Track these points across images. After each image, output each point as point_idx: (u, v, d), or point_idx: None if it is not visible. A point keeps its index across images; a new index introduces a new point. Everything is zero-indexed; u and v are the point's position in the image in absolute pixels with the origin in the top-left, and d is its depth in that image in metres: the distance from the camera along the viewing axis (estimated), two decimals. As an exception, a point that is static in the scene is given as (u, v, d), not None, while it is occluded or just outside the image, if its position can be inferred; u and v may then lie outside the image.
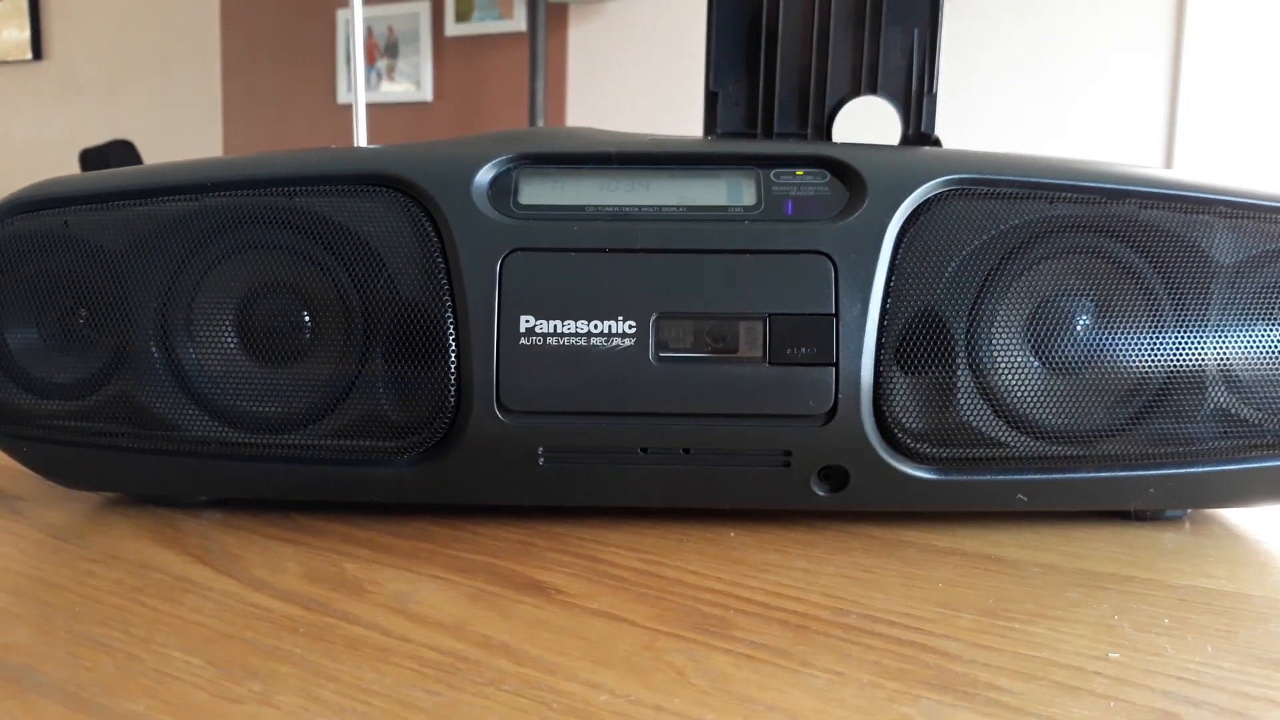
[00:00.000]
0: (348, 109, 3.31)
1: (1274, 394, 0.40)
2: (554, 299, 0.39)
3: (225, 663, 0.29)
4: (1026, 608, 0.34)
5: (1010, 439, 0.40)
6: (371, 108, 3.14)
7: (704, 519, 0.42)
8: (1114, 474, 0.41)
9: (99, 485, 0.44)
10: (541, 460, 0.40)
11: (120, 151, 2.98)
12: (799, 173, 0.41)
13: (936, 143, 0.48)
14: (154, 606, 0.33)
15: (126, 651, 0.30)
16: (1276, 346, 0.40)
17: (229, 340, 0.41)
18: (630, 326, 0.38)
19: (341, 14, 3.26)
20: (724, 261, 0.39)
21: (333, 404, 0.41)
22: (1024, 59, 2.47)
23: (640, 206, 0.40)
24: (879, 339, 0.39)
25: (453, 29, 3.09)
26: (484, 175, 0.41)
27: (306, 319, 0.41)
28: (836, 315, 0.38)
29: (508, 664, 0.29)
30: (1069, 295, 0.41)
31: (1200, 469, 0.41)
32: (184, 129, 3.59)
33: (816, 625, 0.32)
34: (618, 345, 0.38)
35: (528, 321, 0.38)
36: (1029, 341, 0.40)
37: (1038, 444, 0.40)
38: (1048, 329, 0.40)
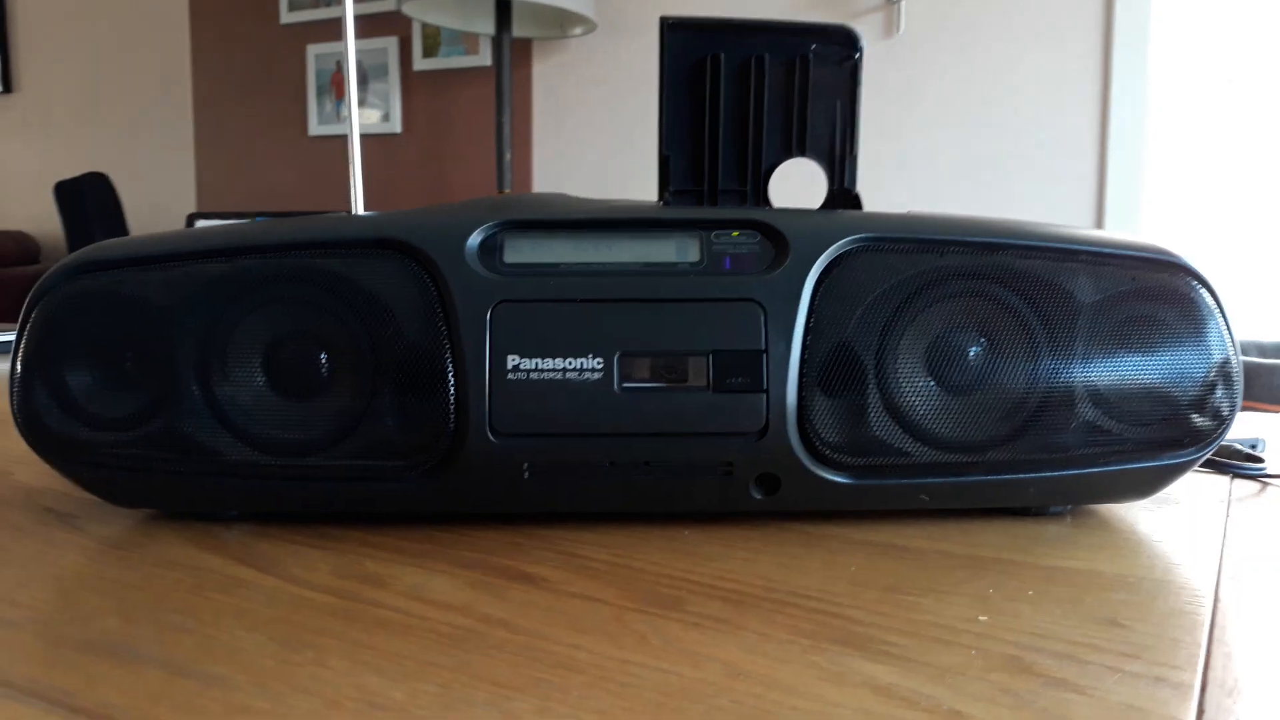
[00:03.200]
0: (319, 141, 3.39)
1: (1131, 408, 0.49)
2: (535, 341, 0.47)
3: (283, 639, 0.37)
4: (920, 584, 0.42)
5: (914, 449, 0.49)
6: (342, 139, 3.21)
7: (663, 521, 0.50)
8: (1001, 477, 0.49)
9: (146, 503, 0.52)
10: (526, 474, 0.48)
11: (94, 184, 3.03)
12: (735, 234, 0.50)
13: (856, 198, 0.57)
14: (214, 599, 0.41)
15: (201, 632, 0.37)
16: (1131, 369, 0.49)
17: (258, 379, 0.49)
18: (598, 362, 0.47)
19: (311, 49, 3.33)
20: (674, 308, 0.47)
21: (347, 431, 0.48)
22: (962, 106, 2.61)
23: (605, 264, 0.49)
24: (801, 369, 0.47)
25: (420, 64, 3.17)
26: (475, 239, 0.49)
27: (324, 360, 0.49)
28: (766, 351, 0.47)
29: (506, 633, 0.37)
30: (961, 329, 0.49)
31: (1072, 472, 0.50)
32: (156, 161, 3.65)
33: (751, 600, 0.40)
34: (588, 378, 0.47)
35: (514, 360, 0.47)
36: (927, 367, 0.49)
37: (936, 452, 0.49)
38: (943, 357, 0.49)
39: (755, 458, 0.48)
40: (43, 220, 3.54)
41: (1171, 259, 0.50)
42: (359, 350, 0.48)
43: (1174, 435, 0.50)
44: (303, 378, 0.49)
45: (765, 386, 0.47)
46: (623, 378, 0.47)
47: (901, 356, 0.49)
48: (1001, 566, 0.45)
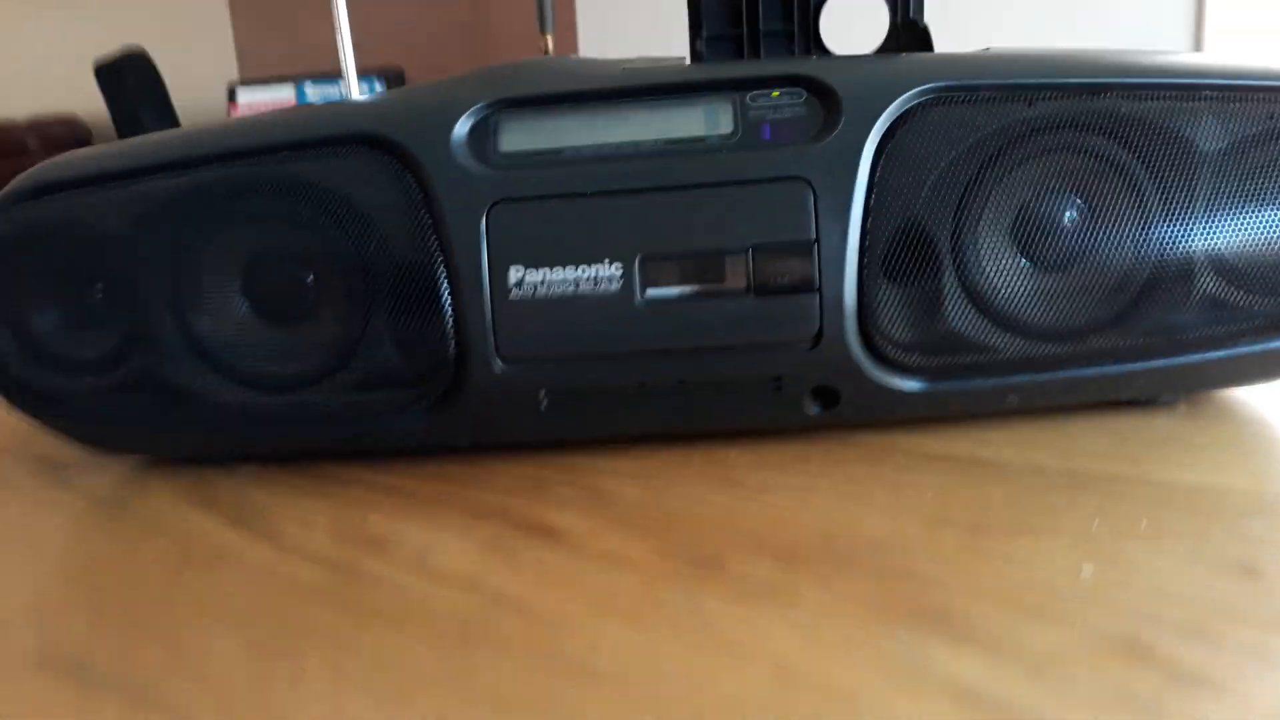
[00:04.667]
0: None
1: (1264, 276, 0.41)
2: (540, 247, 0.40)
3: (261, 642, 0.32)
4: (1009, 521, 0.35)
5: (1000, 341, 0.41)
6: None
7: (707, 442, 0.44)
8: (1105, 369, 0.41)
9: (136, 450, 0.47)
10: (544, 402, 0.41)
11: (133, 63, 2.92)
12: (775, 94, 0.41)
13: (924, 33, 0.47)
14: (196, 582, 0.36)
15: (172, 638, 0.32)
16: (1264, 229, 0.40)
17: (239, 307, 0.43)
18: (616, 269, 0.39)
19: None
20: (703, 195, 0.39)
21: (342, 361, 0.42)
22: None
23: (618, 145, 0.40)
24: (861, 260, 0.39)
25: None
26: (463, 126, 0.41)
27: (310, 280, 0.42)
28: (818, 241, 0.39)
29: (517, 621, 0.32)
30: (1054, 193, 0.40)
31: (1191, 358, 0.41)
32: (193, 31, 3.52)
33: (805, 555, 0.34)
34: (605, 289, 0.39)
35: (517, 272, 0.40)
36: (1015, 242, 0.41)
37: (1028, 344, 0.41)
38: (1034, 228, 0.41)
39: (809, 368, 0.40)
40: (87, 101, 3.47)
41: (1325, 84, 0.40)
42: (345, 267, 0.42)
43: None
44: (287, 302, 0.43)
45: (818, 285, 0.39)
46: (645, 285, 0.40)
47: (983, 230, 0.40)
48: (1106, 486, 0.38)
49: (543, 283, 0.39)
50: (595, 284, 0.39)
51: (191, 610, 0.34)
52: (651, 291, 0.39)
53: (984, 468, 0.40)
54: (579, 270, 0.39)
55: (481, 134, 0.41)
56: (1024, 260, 0.41)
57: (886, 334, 0.40)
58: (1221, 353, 0.41)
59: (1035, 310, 0.41)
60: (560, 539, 0.37)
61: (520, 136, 0.41)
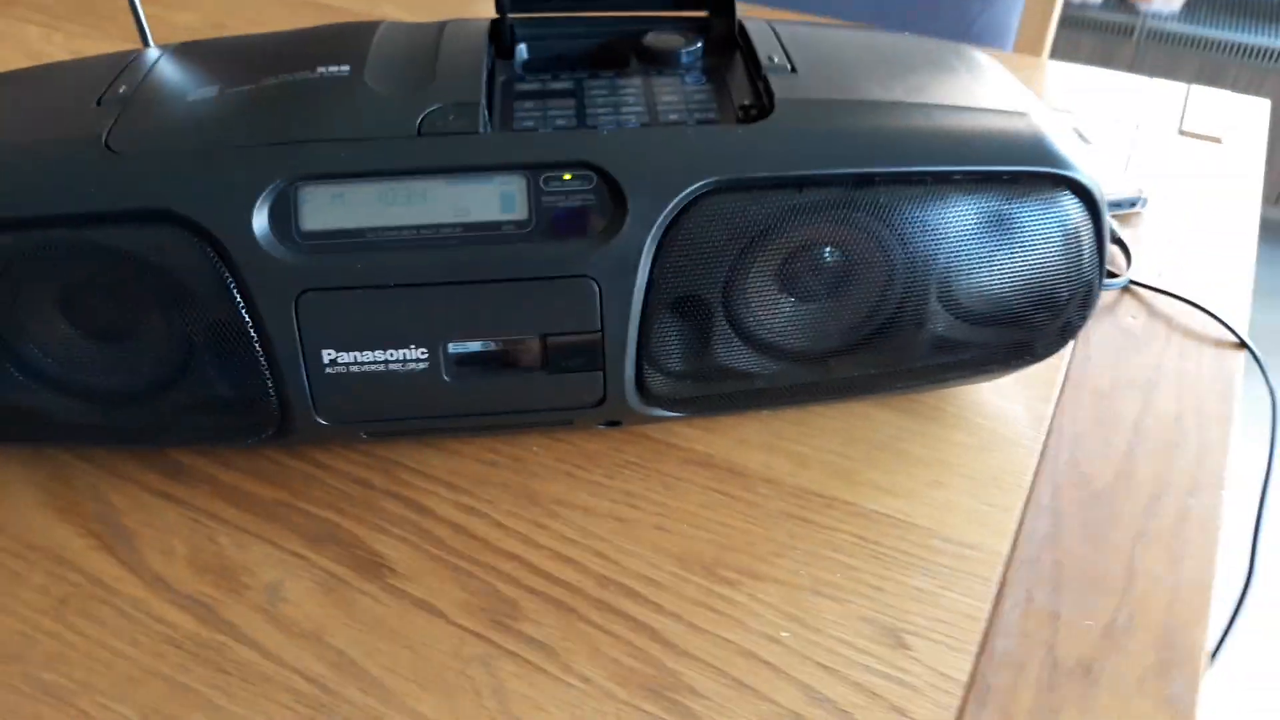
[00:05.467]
0: None
1: (987, 327, 0.48)
2: (350, 333, 0.43)
3: (151, 711, 0.40)
4: (740, 560, 0.46)
5: (759, 367, 0.48)
6: None
7: (510, 444, 0.51)
8: (839, 399, 0.50)
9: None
10: (365, 436, 0.48)
11: None
12: (567, 177, 0.43)
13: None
14: (84, 633, 0.43)
15: (74, 706, 0.41)
16: (992, 284, 0.47)
17: (62, 329, 0.45)
18: (422, 353, 0.44)
19: None
20: (500, 288, 0.43)
21: (168, 384, 0.46)
22: None
23: (418, 229, 0.43)
24: (640, 338, 0.45)
25: None
26: (263, 204, 0.42)
27: (131, 313, 0.45)
28: (603, 330, 0.44)
29: (356, 693, 0.41)
30: (817, 244, 0.46)
31: (914, 383, 0.50)
32: None
33: (582, 603, 0.44)
34: (414, 368, 0.44)
35: (330, 354, 0.44)
36: (779, 281, 0.46)
37: (781, 368, 0.48)
38: (796, 268, 0.46)
39: (595, 416, 0.48)
40: None
41: (1056, 170, 0.45)
42: (163, 317, 0.44)
43: (1021, 349, 0.49)
44: (109, 329, 0.45)
45: (603, 365, 0.45)
46: (450, 365, 0.44)
47: (752, 280, 0.46)
48: (822, 516, 0.48)
49: (354, 363, 0.44)
50: (404, 364, 0.44)
51: (85, 674, 0.42)
52: (456, 370, 0.44)
53: (735, 478, 0.49)
54: (387, 353, 0.44)
55: (283, 210, 0.42)
56: (786, 295, 0.47)
57: (661, 391, 0.47)
58: (943, 378, 0.50)
59: (792, 337, 0.48)
60: (386, 582, 0.45)
61: (322, 210, 0.43)
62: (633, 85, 0.49)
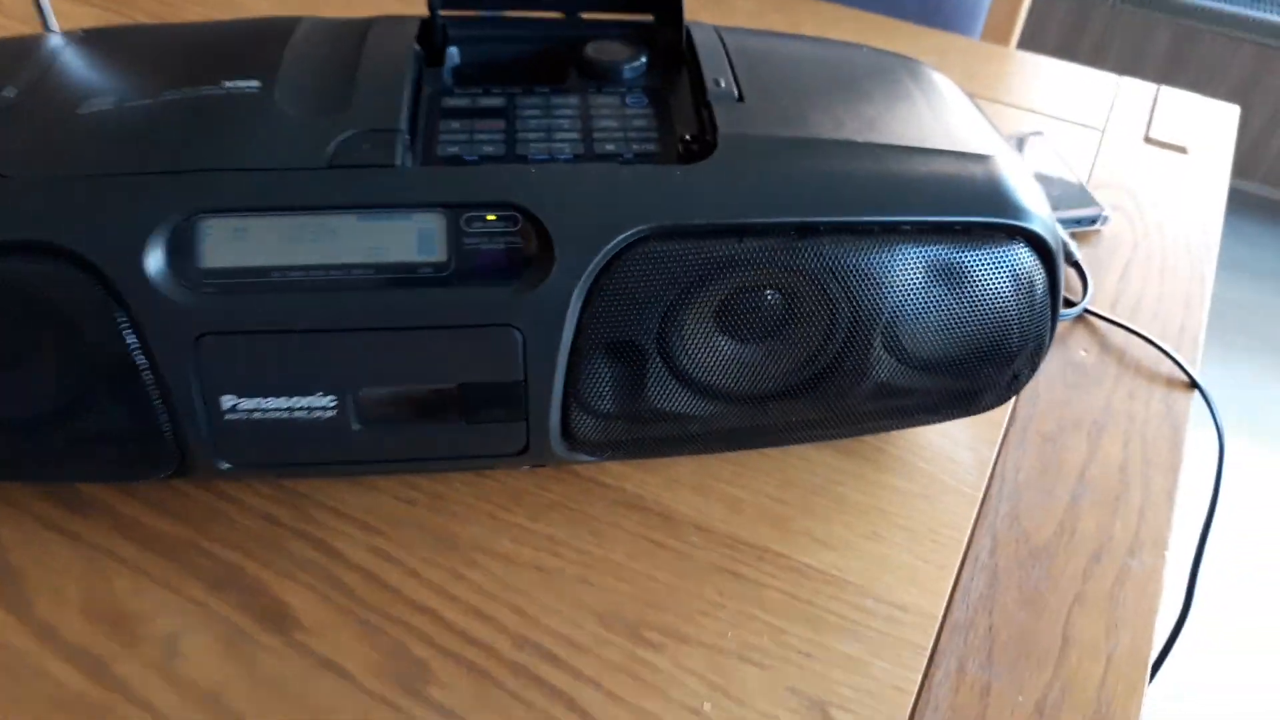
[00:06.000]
0: None
1: (930, 377, 0.46)
2: (252, 379, 0.40)
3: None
4: (666, 620, 0.44)
5: (694, 410, 0.46)
6: None
7: (430, 479, 0.48)
8: (784, 434, 0.48)
9: None
10: (274, 475, 0.45)
11: None
12: (490, 217, 0.40)
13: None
14: (-38, 691, 0.41)
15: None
16: (939, 336, 0.45)
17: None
18: (330, 400, 0.41)
19: None
20: (416, 336, 0.40)
21: (62, 414, 0.43)
22: None
23: (329, 269, 0.40)
24: (567, 386, 0.42)
25: None
26: (158, 240, 0.39)
27: (18, 342, 0.41)
28: (525, 380, 0.41)
29: (253, 764, 0.39)
30: (757, 289, 0.43)
31: (856, 427, 0.48)
32: None
33: (496, 666, 0.42)
34: (321, 415, 0.41)
35: (230, 400, 0.41)
36: (718, 323, 0.44)
37: (716, 411, 0.46)
38: (736, 311, 0.43)
39: (518, 462, 0.45)
40: None
41: (1011, 222, 0.43)
42: (56, 358, 0.41)
43: (967, 398, 0.47)
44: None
45: (525, 414, 0.42)
46: (360, 413, 0.42)
47: (688, 323, 0.43)
48: (753, 568, 0.46)
49: (258, 409, 0.41)
50: (310, 412, 0.41)
51: (-36, 749, 0.39)
52: (366, 419, 0.42)
53: (662, 525, 0.47)
54: (293, 400, 0.41)
55: (180, 248, 0.39)
56: (725, 337, 0.44)
57: (588, 437, 0.44)
58: (883, 424, 0.48)
59: (729, 378, 0.45)
60: (291, 637, 0.43)
61: (223, 246, 0.39)
62: (569, 105, 0.46)
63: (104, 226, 0.38)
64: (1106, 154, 0.72)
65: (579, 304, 0.40)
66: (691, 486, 0.49)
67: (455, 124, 0.44)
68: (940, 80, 0.50)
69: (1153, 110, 0.77)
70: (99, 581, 0.44)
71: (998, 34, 0.98)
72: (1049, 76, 0.82)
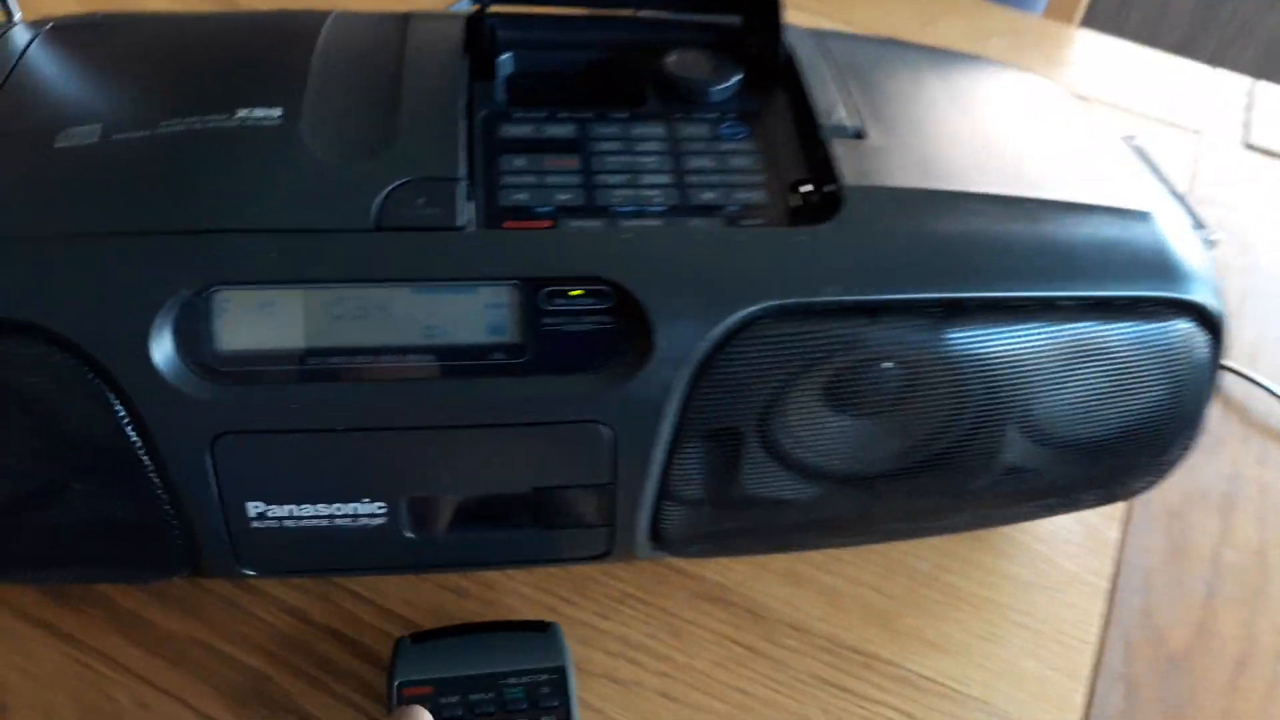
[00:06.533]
0: None
1: (1066, 464, 0.40)
2: (283, 484, 0.33)
3: None
4: (763, 746, 0.38)
5: (793, 494, 0.39)
6: None
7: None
8: (888, 525, 0.41)
9: None
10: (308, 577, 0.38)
11: None
12: (575, 293, 0.33)
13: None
14: None
15: None
16: (1085, 421, 0.38)
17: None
18: (379, 508, 0.34)
19: None
20: (484, 434, 0.33)
21: (45, 499, 0.36)
22: None
23: (377, 353, 0.32)
24: (662, 486, 0.36)
25: None
26: (165, 320, 0.31)
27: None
28: (615, 483, 0.35)
29: None
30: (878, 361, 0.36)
31: (969, 516, 0.42)
32: None
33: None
34: (366, 524, 0.34)
35: (257, 507, 0.34)
36: (827, 397, 0.37)
37: (821, 495, 0.40)
38: (849, 384, 0.37)
39: (594, 562, 0.38)
40: None
41: (1180, 296, 0.36)
42: (32, 437, 0.34)
43: (1111, 483, 0.41)
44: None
45: (611, 520, 0.36)
46: (415, 522, 0.35)
47: (794, 402, 0.36)
48: (860, 676, 0.40)
49: (290, 516, 0.34)
50: (354, 519, 0.34)
51: None
52: (421, 526, 0.35)
53: (753, 620, 0.41)
54: (334, 508, 0.34)
55: (192, 328, 0.31)
56: (833, 412, 0.38)
57: (677, 534, 0.38)
58: (1004, 512, 0.42)
59: (835, 457, 0.39)
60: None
61: (244, 332, 0.32)
62: (653, 137, 0.38)
63: (97, 303, 0.31)
64: (1206, 163, 0.65)
65: (681, 395, 0.33)
66: (781, 574, 0.42)
67: (519, 161, 0.37)
68: (1079, 107, 0.43)
69: (1249, 109, 0.70)
70: (97, 695, 0.38)
71: (1060, 11, 0.90)
72: (1121, 60, 0.74)
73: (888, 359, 0.35)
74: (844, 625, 0.41)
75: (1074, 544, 0.44)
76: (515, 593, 0.41)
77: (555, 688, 0.36)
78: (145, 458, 0.32)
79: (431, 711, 0.34)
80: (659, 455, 0.34)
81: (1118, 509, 0.46)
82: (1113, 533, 0.45)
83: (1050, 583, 0.43)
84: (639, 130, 0.39)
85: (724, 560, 0.43)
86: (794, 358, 0.34)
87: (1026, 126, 0.41)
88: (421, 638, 0.37)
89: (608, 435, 0.33)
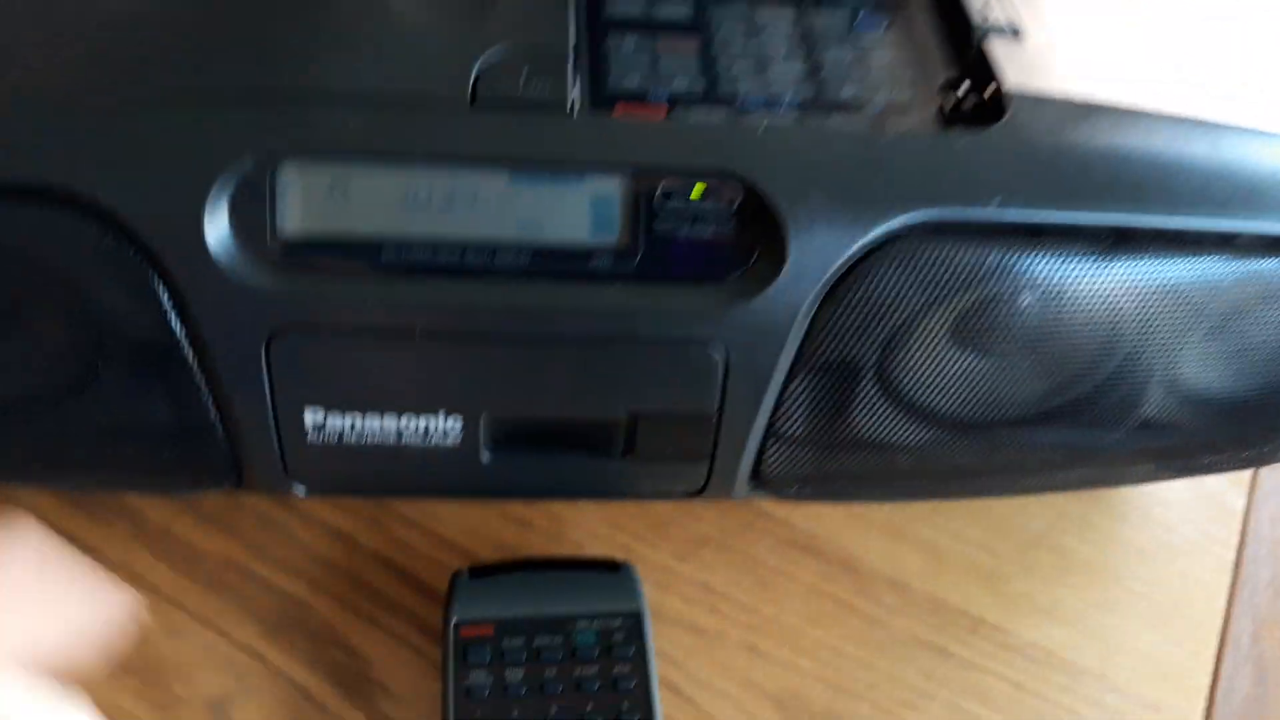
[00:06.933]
0: None
1: (1211, 415, 0.35)
2: (346, 391, 0.29)
3: None
4: (862, 710, 0.34)
5: (905, 437, 0.35)
6: None
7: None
8: (997, 478, 0.37)
9: None
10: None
11: None
12: (696, 191, 0.28)
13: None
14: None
15: None
16: (1240, 371, 0.34)
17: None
18: (453, 424, 0.30)
19: None
20: (579, 349, 0.29)
21: (76, 395, 0.32)
22: None
23: (464, 248, 0.28)
24: (770, 421, 0.31)
25: None
26: (221, 195, 0.27)
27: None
28: (721, 413, 0.30)
29: None
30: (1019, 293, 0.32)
31: (1090, 471, 0.37)
32: None
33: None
34: (438, 443, 0.30)
35: (315, 417, 0.29)
36: (954, 332, 0.33)
37: (935, 437, 0.35)
38: (981, 315, 0.32)
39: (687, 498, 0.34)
40: None
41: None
42: (64, 325, 0.30)
43: (1263, 444, 0.37)
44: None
45: (713, 454, 0.31)
46: (492, 444, 0.31)
47: (919, 335, 0.32)
48: (966, 642, 0.36)
49: (352, 429, 0.30)
50: (425, 438, 0.30)
51: None
52: (500, 450, 0.31)
53: (846, 573, 0.37)
54: (402, 421, 0.30)
55: (251, 207, 0.27)
56: (960, 349, 0.33)
57: (778, 473, 0.34)
58: (1131, 469, 0.37)
59: (957, 400, 0.34)
60: (376, 700, 0.33)
61: (312, 206, 0.27)
62: (780, 22, 0.33)
63: (145, 172, 0.26)
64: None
65: (806, 318, 0.29)
66: (880, 526, 0.38)
67: (629, 41, 0.32)
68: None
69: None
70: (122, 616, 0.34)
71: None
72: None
73: (1040, 289, 0.31)
74: (947, 585, 0.37)
75: (1196, 511, 0.40)
76: (585, 528, 0.37)
77: (630, 635, 0.32)
78: (191, 354, 0.28)
79: (491, 655, 0.30)
80: (774, 386, 0.30)
81: (1243, 474, 0.42)
82: (1238, 500, 0.41)
83: (1171, 551, 0.39)
84: (765, 15, 0.34)
85: (816, 508, 0.38)
86: (938, 281, 0.29)
87: (1211, 32, 0.36)
88: (481, 572, 0.33)
89: (720, 359, 0.29)
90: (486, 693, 0.30)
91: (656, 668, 0.31)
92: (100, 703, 0.31)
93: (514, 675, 0.31)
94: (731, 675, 0.34)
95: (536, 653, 0.31)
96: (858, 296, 0.29)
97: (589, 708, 0.30)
